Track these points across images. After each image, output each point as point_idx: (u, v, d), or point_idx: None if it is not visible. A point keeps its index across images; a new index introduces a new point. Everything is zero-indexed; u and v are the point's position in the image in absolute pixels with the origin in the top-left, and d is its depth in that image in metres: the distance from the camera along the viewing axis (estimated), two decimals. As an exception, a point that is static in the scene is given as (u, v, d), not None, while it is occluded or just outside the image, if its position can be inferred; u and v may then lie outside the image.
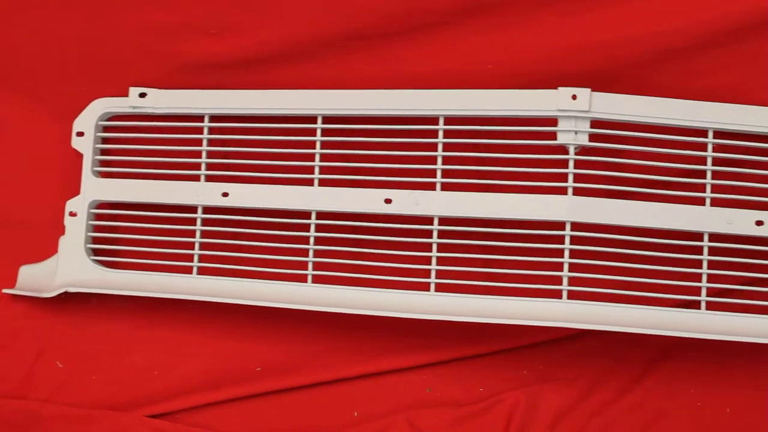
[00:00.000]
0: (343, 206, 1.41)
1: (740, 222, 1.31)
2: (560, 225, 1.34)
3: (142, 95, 1.48)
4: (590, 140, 1.34)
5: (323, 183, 1.43)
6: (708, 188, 1.32)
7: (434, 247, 1.38)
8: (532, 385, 1.43)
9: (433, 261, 1.38)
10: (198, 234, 1.46)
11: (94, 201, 1.50)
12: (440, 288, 1.37)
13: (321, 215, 1.42)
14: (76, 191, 1.50)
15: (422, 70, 1.41)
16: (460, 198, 1.37)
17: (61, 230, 1.49)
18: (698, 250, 1.32)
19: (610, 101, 1.33)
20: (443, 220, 1.38)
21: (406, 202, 1.39)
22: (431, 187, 1.38)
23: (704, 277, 1.32)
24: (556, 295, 1.33)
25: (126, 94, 1.49)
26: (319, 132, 1.42)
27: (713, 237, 1.32)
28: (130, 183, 1.49)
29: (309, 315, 1.40)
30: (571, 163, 1.34)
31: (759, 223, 1.31)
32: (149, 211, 1.49)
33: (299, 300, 1.40)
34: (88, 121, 1.50)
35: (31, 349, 1.51)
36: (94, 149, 1.50)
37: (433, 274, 1.38)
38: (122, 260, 1.49)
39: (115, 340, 1.51)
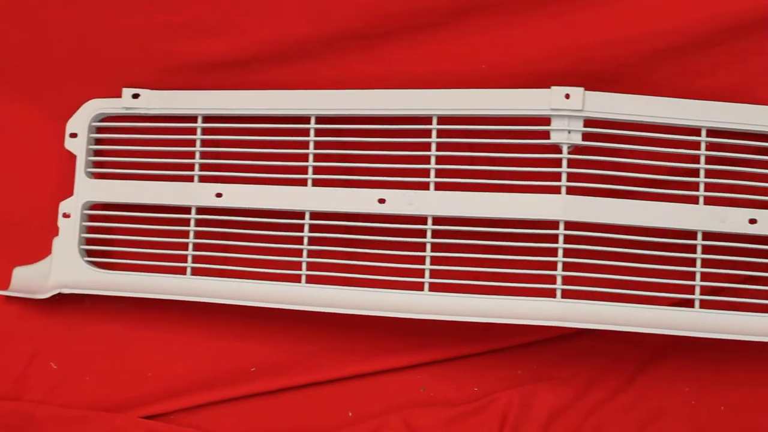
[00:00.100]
0: (336, 206, 1.41)
1: (734, 220, 1.31)
2: (554, 224, 1.34)
3: (135, 96, 1.48)
4: (583, 139, 1.34)
5: (317, 183, 1.42)
6: (701, 187, 1.32)
7: (428, 246, 1.38)
8: (526, 384, 1.43)
9: (427, 261, 1.38)
10: (192, 235, 1.46)
11: (88, 202, 1.49)
12: (434, 288, 1.37)
13: (315, 215, 1.42)
14: (69, 192, 1.49)
15: (418, 70, 1.41)
16: (454, 197, 1.37)
17: (55, 231, 1.49)
18: (692, 249, 1.32)
19: (604, 100, 1.33)
20: (437, 220, 1.38)
21: (400, 201, 1.39)
22: (425, 186, 1.38)
23: (698, 276, 1.32)
24: (550, 294, 1.33)
25: (119, 95, 1.48)
26: (312, 132, 1.42)
27: (707, 235, 1.32)
28: (123, 184, 1.49)
29: (303, 315, 1.40)
30: (564, 162, 1.34)
31: (752, 221, 1.31)
32: (143, 212, 1.49)
33: (293, 300, 1.40)
34: (81, 122, 1.50)
35: (25, 350, 1.51)
36: (88, 150, 1.49)
37: (427, 273, 1.37)
38: (116, 261, 1.48)
39: (109, 341, 1.51)
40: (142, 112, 1.48)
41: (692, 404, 1.41)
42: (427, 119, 1.38)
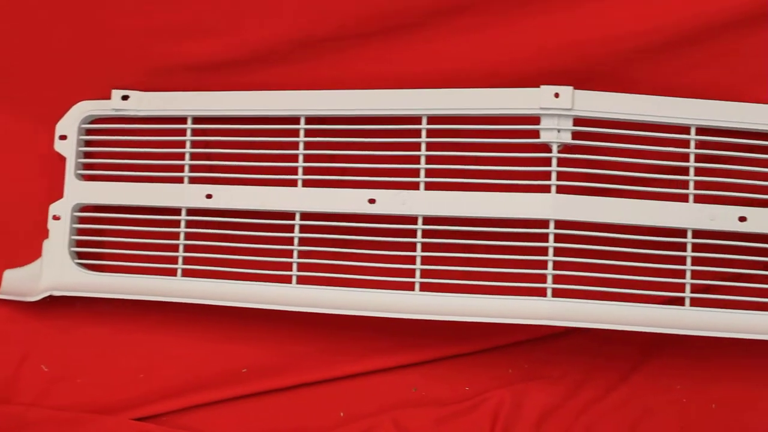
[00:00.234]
0: (326, 206, 1.41)
1: (723, 218, 1.31)
2: (544, 223, 1.34)
3: (125, 98, 1.48)
4: (573, 138, 1.34)
5: (307, 184, 1.42)
6: (691, 185, 1.32)
7: (419, 246, 1.38)
8: (517, 383, 1.43)
9: (418, 261, 1.38)
10: (182, 236, 1.46)
11: (78, 204, 1.49)
12: (425, 287, 1.37)
13: (305, 216, 1.42)
14: (59, 194, 1.49)
15: (408, 70, 1.40)
16: (444, 197, 1.37)
17: (45, 234, 1.49)
18: (682, 247, 1.32)
19: (593, 99, 1.33)
20: (427, 220, 1.38)
21: (391, 201, 1.39)
22: (415, 186, 1.38)
23: (688, 274, 1.32)
24: (541, 293, 1.33)
25: (109, 97, 1.48)
26: (302, 133, 1.42)
27: (696, 233, 1.32)
28: (113, 186, 1.48)
29: (294, 316, 1.40)
30: (554, 161, 1.34)
31: (742, 219, 1.31)
32: (133, 213, 1.49)
33: (284, 301, 1.40)
34: (70, 124, 1.49)
35: (16, 353, 1.50)
36: (77, 152, 1.49)
37: (417, 273, 1.37)
38: (106, 263, 1.48)
39: (100, 343, 1.51)
40: (132, 113, 1.48)
41: (683, 402, 1.41)
42: (417, 119, 1.38)
